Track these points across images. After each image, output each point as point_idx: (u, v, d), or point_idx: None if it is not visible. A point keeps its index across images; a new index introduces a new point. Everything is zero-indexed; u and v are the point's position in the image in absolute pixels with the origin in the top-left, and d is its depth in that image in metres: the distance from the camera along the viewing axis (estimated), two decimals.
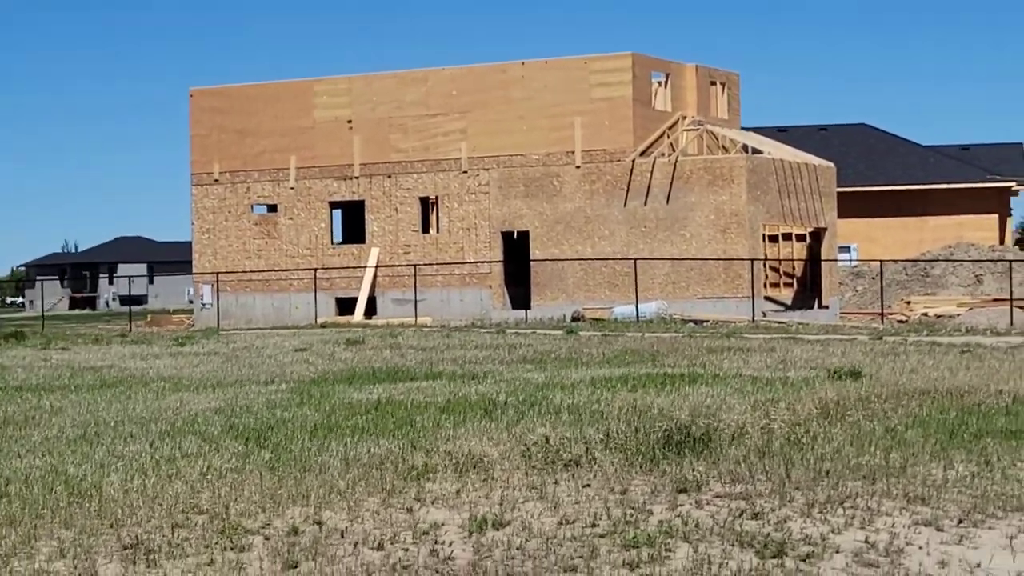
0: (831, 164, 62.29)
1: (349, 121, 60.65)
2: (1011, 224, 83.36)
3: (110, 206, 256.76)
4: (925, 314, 53.86)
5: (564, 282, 56.21)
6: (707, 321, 48.60)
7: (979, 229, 75.55)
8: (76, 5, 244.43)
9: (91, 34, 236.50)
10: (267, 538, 10.61)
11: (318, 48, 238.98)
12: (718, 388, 20.42)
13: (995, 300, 55.05)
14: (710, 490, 12.17)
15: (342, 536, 10.61)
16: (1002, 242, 77.28)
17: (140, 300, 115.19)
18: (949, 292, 62.13)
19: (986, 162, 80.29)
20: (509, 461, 13.62)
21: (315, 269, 60.42)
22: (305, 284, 60.73)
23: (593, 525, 10.81)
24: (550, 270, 56.56)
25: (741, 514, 11.20)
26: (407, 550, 10.19)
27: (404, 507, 11.61)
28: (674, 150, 55.64)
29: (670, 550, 10.11)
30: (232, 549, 10.34)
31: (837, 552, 10.18)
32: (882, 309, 54.91)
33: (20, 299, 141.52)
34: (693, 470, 12.94)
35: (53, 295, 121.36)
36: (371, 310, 59.92)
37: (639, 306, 51.71)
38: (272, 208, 63.78)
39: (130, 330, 61.16)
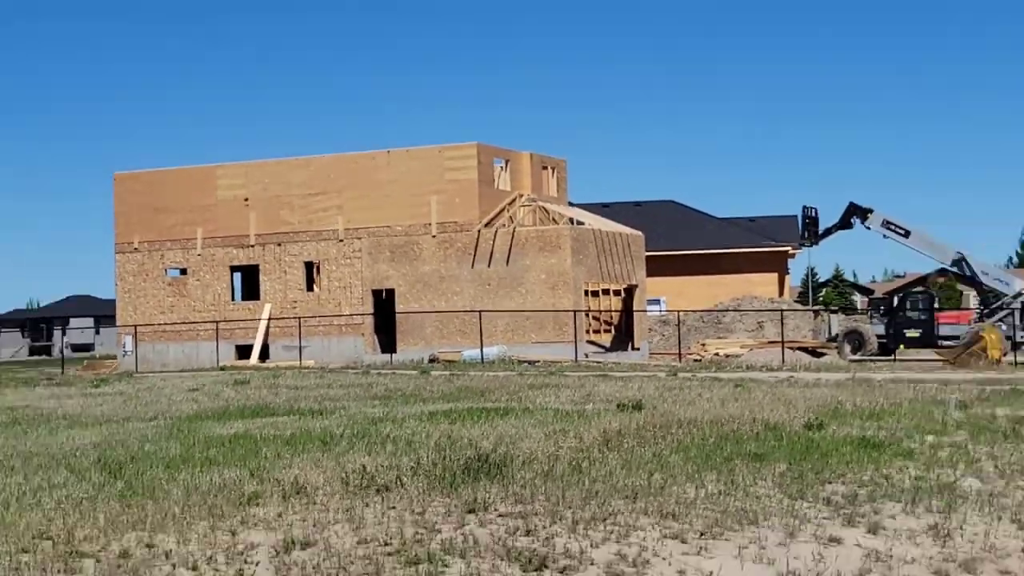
0: (640, 233, 62.48)
1: (246, 199, 59.89)
2: (789, 281, 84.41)
3: (64, 268, 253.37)
4: (717, 354, 53.94)
5: (424, 330, 55.78)
6: (538, 362, 48.37)
7: (763, 285, 76.35)
8: (31, 105, 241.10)
9: (36, 123, 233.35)
10: (99, 561, 9.98)
11: (219, 136, 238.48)
12: (524, 420, 19.90)
13: (771, 342, 55.43)
14: (496, 510, 11.74)
15: (167, 558, 10.00)
16: (781, 295, 78.33)
17: (89, 348, 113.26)
18: (737, 336, 62.43)
19: (769, 231, 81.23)
20: (331, 487, 13.07)
21: (217, 322, 59.38)
22: (210, 334, 59.59)
23: (387, 544, 10.37)
24: (412, 321, 56.12)
25: (516, 531, 10.84)
26: (218, 570, 9.69)
27: (229, 530, 11.01)
28: (512, 222, 55.51)
29: (447, 565, 9.79)
30: (64, 572, 9.72)
31: (592, 564, 9.93)
32: (679, 350, 55.09)
33: None
34: (485, 492, 12.48)
35: (14, 344, 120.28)
36: (265, 355, 58.95)
37: (484, 350, 51.51)
38: (183, 271, 62.49)
39: (62, 373, 59.41)
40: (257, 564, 9.70)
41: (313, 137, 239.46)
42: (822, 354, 54.27)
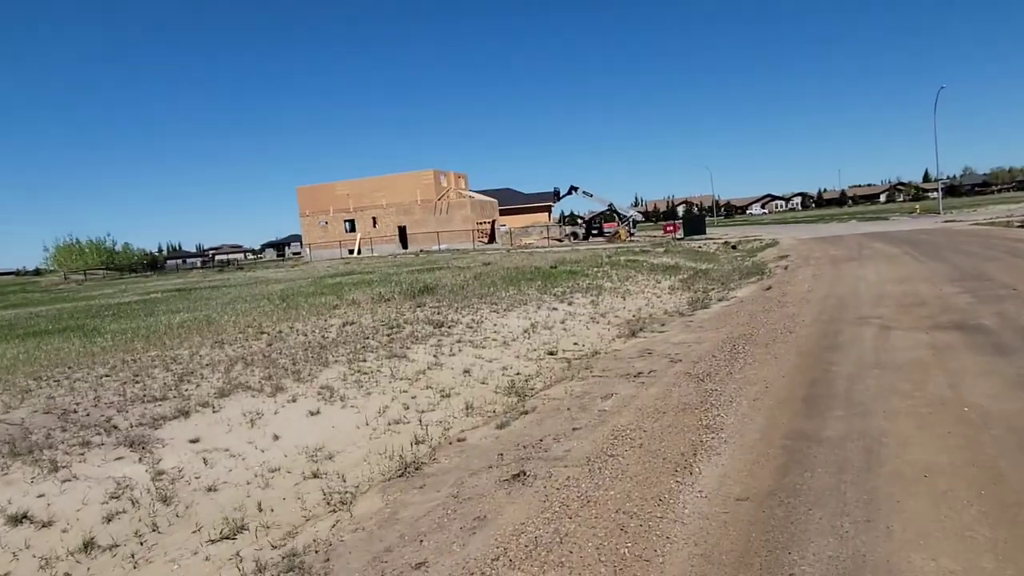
0: (495, 200, 61.15)
1: (348, 194, 56.89)
2: (551, 215, 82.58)
3: (284, 225, 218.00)
4: (524, 244, 53.38)
5: (417, 241, 53.70)
6: (459, 249, 47.26)
7: (542, 216, 74.30)
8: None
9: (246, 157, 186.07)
10: (269, 333, 9.17)
11: (335, 164, 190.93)
12: (447, 272, 18.84)
13: (545, 238, 54.81)
14: (428, 306, 11.10)
15: (296, 332, 9.24)
16: (549, 220, 76.94)
17: (296, 253, 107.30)
18: (532, 238, 61.73)
19: (545, 196, 79.22)
20: (369, 301, 12.27)
21: (341, 240, 56.63)
22: (336, 245, 56.74)
23: (384, 322, 9.69)
24: (412, 237, 53.95)
25: (433, 313, 10.26)
26: (314, 332, 9.01)
27: (323, 319, 10.23)
28: (448, 198, 53.71)
29: (402, 327, 9.16)
30: (256, 337, 8.92)
31: (461, 323, 9.38)
32: (511, 242, 54.22)
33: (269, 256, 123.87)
34: (425, 299, 11.85)
35: (272, 256, 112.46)
36: (359, 253, 56.45)
37: (439, 246, 50.11)
38: (326, 222, 59.51)
39: (284, 259, 56.61)
40: (330, 330, 9.11)
41: (369, 162, 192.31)
42: (561, 241, 53.96)
